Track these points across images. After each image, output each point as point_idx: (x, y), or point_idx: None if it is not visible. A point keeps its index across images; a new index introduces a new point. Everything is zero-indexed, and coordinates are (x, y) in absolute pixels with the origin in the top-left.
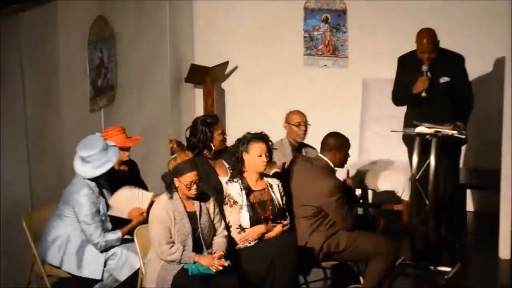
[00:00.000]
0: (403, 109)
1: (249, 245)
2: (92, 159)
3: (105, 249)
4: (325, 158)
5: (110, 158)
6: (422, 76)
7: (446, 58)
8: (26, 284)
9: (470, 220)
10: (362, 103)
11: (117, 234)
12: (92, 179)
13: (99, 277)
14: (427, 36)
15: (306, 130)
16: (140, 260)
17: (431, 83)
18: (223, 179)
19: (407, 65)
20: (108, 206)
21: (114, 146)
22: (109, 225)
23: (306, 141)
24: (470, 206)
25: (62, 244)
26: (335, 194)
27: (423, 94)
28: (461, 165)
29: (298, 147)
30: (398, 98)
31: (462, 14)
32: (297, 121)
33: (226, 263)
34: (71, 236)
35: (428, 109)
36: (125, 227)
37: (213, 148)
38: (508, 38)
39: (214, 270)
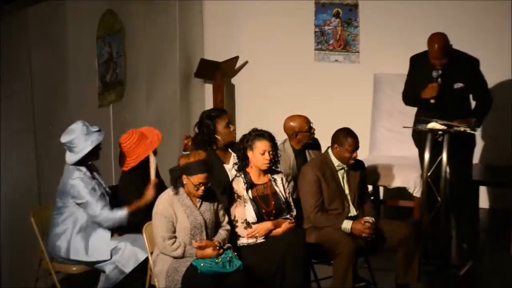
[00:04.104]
0: None
1: (256, 241)
2: (73, 144)
3: (114, 229)
4: (329, 153)
5: (91, 142)
6: (432, 82)
7: (460, 62)
8: (34, 280)
9: (483, 216)
10: (374, 99)
11: (123, 211)
12: (80, 164)
13: (108, 257)
14: (438, 42)
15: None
16: (149, 256)
17: (443, 89)
18: (228, 166)
19: (419, 66)
20: (102, 187)
21: (99, 131)
22: (108, 201)
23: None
24: (484, 203)
25: (68, 234)
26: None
27: (432, 101)
28: (475, 161)
29: (302, 150)
30: (408, 98)
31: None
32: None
33: (221, 251)
34: (76, 223)
35: (440, 112)
36: (133, 204)
37: (220, 141)
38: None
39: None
